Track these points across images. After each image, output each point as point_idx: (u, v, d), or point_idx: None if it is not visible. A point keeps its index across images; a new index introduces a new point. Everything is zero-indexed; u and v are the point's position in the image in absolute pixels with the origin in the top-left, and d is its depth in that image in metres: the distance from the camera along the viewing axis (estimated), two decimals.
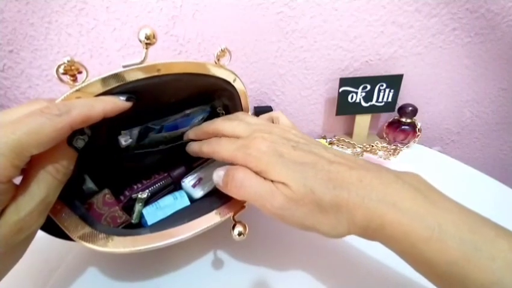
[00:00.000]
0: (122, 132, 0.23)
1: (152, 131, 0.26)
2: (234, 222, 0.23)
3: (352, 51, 0.50)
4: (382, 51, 0.50)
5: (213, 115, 0.30)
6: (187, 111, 0.27)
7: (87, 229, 0.20)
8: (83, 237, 0.20)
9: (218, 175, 0.22)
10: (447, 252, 0.16)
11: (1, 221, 0.16)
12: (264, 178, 0.20)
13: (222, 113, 0.30)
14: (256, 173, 0.20)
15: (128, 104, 0.20)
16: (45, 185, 0.17)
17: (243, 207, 0.24)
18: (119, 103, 0.20)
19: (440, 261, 0.16)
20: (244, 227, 0.22)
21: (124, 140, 0.23)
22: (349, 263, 0.28)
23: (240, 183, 0.20)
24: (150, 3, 0.41)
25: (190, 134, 0.28)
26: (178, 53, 0.46)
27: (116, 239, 0.20)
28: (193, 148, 0.26)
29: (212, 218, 0.23)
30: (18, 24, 0.40)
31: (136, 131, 0.24)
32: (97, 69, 0.45)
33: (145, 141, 0.26)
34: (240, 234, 0.22)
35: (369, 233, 0.19)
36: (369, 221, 0.18)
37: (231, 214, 0.24)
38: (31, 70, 0.43)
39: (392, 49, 0.50)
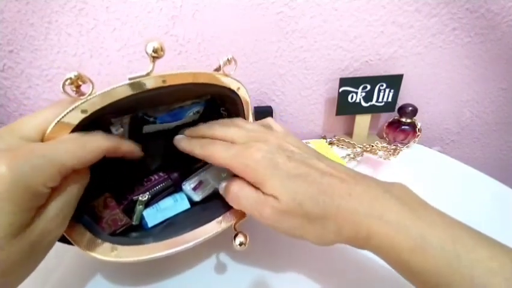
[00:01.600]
0: (113, 120, 0.23)
1: (146, 124, 0.26)
2: (235, 232, 0.23)
3: (352, 51, 0.50)
4: (382, 51, 0.50)
5: (209, 109, 0.30)
6: (182, 104, 0.27)
7: (90, 238, 0.20)
8: (87, 246, 0.20)
9: (221, 188, 0.25)
10: (430, 262, 0.17)
11: (34, 223, 0.16)
12: (257, 188, 0.21)
13: (225, 115, 0.30)
14: (252, 183, 0.22)
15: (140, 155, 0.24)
16: (69, 190, 0.18)
17: (244, 216, 0.25)
18: (138, 152, 0.24)
19: (424, 270, 0.17)
20: (245, 237, 0.23)
21: (115, 129, 0.23)
22: (354, 269, 0.28)
23: (236, 195, 0.22)
24: (150, 3, 0.42)
25: (186, 133, 0.27)
26: (178, 53, 0.46)
27: (120, 248, 0.21)
28: (183, 145, 0.26)
29: (214, 227, 0.24)
30: (18, 24, 0.40)
31: (126, 120, 0.24)
32: (97, 69, 0.45)
33: (139, 134, 0.26)
34: (241, 244, 0.23)
35: (357, 242, 0.20)
36: (356, 233, 0.19)
37: (232, 223, 0.24)
38: (31, 70, 0.43)
39: (392, 49, 0.50)
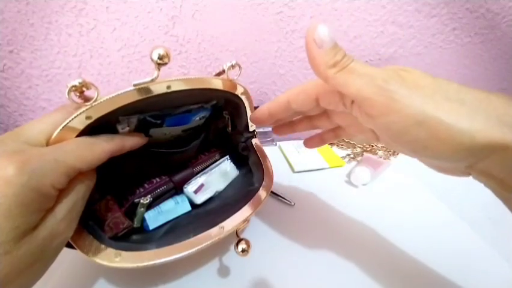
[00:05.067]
0: (120, 118, 0.23)
1: (153, 126, 0.26)
2: (237, 239, 0.23)
3: (352, 51, 0.50)
4: (382, 51, 0.50)
5: (214, 115, 0.30)
6: (190, 107, 0.27)
7: (94, 244, 0.20)
8: (91, 252, 0.20)
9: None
10: None
11: (42, 225, 0.16)
12: None
13: (228, 118, 0.30)
14: None
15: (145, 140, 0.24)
16: (76, 192, 0.18)
17: (246, 221, 0.25)
18: (141, 141, 0.24)
19: None
20: (248, 245, 0.23)
21: (121, 128, 0.23)
22: (355, 275, 0.28)
23: None
24: (150, 3, 0.41)
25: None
26: (178, 53, 0.46)
27: (124, 254, 0.21)
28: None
29: (216, 233, 0.23)
30: (18, 25, 0.40)
31: (134, 119, 0.24)
32: (97, 69, 0.45)
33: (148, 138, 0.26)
34: (243, 251, 0.23)
35: None
36: None
37: (234, 229, 0.24)
38: (31, 70, 0.43)
39: (392, 49, 0.50)
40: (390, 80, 0.17)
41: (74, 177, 0.18)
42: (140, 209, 0.25)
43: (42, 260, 0.17)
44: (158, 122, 0.25)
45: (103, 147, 0.20)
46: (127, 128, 0.23)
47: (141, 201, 0.25)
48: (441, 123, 0.15)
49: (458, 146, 0.15)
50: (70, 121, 0.18)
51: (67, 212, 0.18)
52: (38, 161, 0.16)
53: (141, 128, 0.25)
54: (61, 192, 0.17)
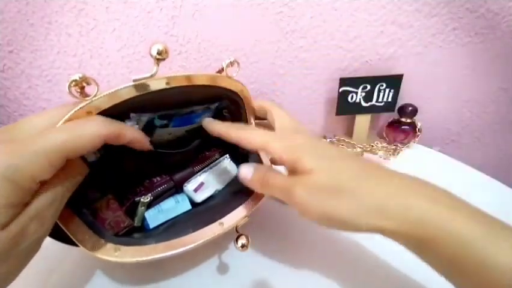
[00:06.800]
0: (131, 115, 0.22)
1: (158, 126, 0.26)
2: (237, 234, 0.23)
3: (352, 51, 0.50)
4: (382, 51, 0.50)
5: (216, 115, 0.30)
6: (195, 108, 0.27)
7: (94, 238, 0.20)
8: (91, 247, 0.20)
9: (244, 171, 0.24)
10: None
11: (13, 223, 0.15)
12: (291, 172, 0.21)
13: (228, 116, 0.30)
14: (288, 161, 0.21)
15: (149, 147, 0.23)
16: (53, 192, 0.17)
17: (246, 217, 0.25)
18: (145, 142, 0.23)
19: None
20: (247, 240, 0.23)
21: (130, 125, 0.23)
22: (355, 272, 0.28)
23: (264, 175, 0.22)
24: (150, 3, 0.41)
25: (215, 127, 0.27)
26: (178, 53, 0.46)
27: (123, 248, 0.21)
28: (218, 127, 0.26)
29: (216, 229, 0.24)
30: (18, 25, 0.40)
31: (145, 118, 0.23)
32: (97, 69, 0.45)
33: (151, 138, 0.26)
34: (243, 246, 0.23)
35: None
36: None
37: (234, 225, 0.24)
38: (31, 70, 0.43)
39: (391, 49, 0.50)
40: None
41: (53, 178, 0.17)
42: (141, 208, 0.25)
43: (3, 263, 0.15)
44: (165, 122, 0.25)
45: (94, 130, 0.18)
46: (136, 127, 0.23)
47: (142, 200, 0.25)
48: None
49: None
50: (70, 116, 0.18)
51: (38, 212, 0.16)
52: (19, 151, 0.15)
53: (147, 128, 0.25)
54: (36, 193, 0.16)
